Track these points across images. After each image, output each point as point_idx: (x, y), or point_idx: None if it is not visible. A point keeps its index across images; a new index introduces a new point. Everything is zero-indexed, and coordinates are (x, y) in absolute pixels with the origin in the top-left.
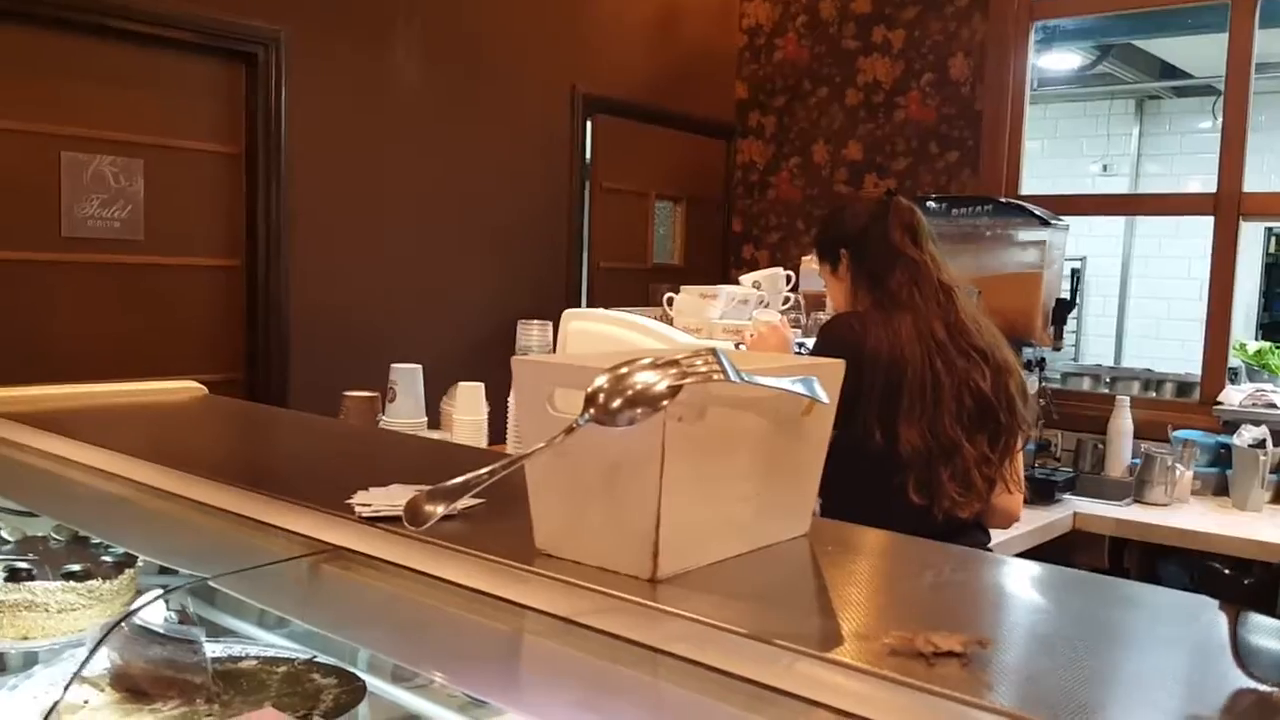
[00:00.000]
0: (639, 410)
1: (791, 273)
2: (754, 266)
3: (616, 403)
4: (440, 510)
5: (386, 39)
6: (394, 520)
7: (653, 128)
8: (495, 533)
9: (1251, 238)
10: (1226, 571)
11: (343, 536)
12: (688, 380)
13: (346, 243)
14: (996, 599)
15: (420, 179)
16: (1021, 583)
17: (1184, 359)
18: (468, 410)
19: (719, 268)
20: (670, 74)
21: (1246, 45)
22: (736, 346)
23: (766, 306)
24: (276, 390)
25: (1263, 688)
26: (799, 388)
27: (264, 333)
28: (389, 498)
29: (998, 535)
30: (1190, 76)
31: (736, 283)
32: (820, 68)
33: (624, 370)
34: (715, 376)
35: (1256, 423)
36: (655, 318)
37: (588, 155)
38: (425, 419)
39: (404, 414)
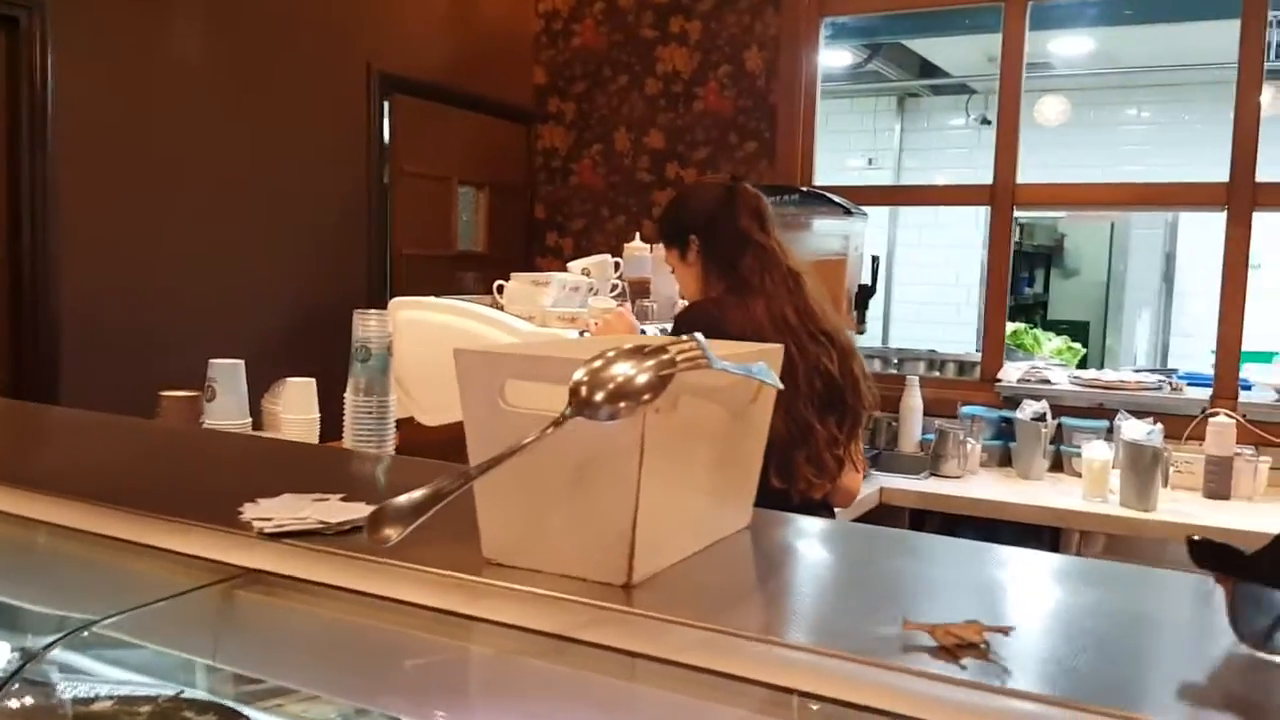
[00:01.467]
0: (623, 404)
1: (619, 260)
2: (559, 254)
3: (600, 395)
4: (407, 527)
5: (166, 6)
6: (306, 535)
7: (453, 110)
8: (426, 541)
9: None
10: (1218, 544)
11: (253, 557)
12: (677, 369)
13: (124, 229)
14: (990, 584)
15: (207, 159)
16: (1000, 564)
17: (946, 340)
18: (298, 409)
19: (524, 255)
20: (469, 55)
21: (1019, 45)
22: (581, 334)
23: (596, 294)
24: (44, 391)
25: (1260, 654)
26: (763, 374)
27: (29, 328)
28: (289, 510)
29: (839, 513)
30: (948, 75)
31: (541, 269)
32: (619, 56)
33: (608, 360)
34: (701, 364)
35: (1036, 398)
36: (487, 305)
37: (386, 136)
38: (250, 419)
39: (226, 414)
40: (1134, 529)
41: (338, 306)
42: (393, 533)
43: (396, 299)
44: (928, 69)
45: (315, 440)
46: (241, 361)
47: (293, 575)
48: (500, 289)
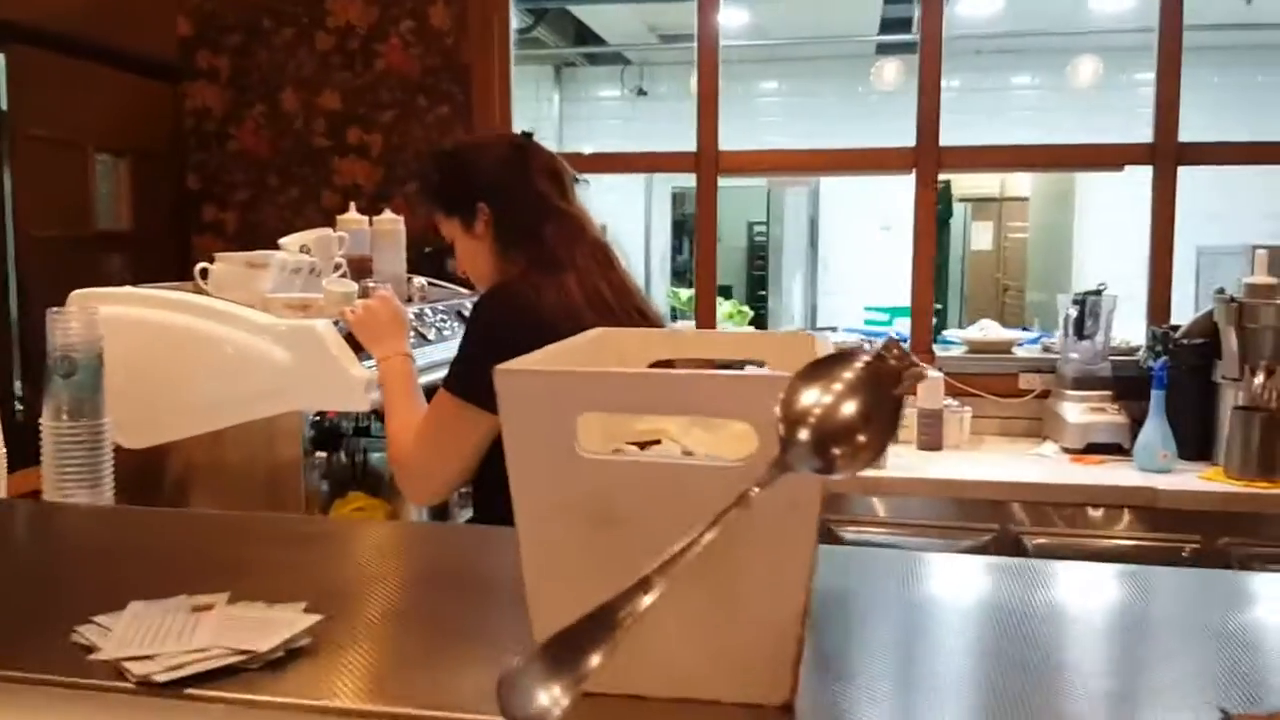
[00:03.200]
0: (865, 454)
1: (344, 235)
2: (219, 231)
3: (840, 445)
4: (577, 683)
5: None
6: (227, 676)
7: (86, 64)
8: (428, 666)
9: (661, 194)
10: None
11: None
12: (903, 389)
13: None
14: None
15: None
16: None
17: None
18: None
19: (176, 232)
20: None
21: (713, 16)
22: (335, 324)
23: (317, 275)
24: None
25: None
26: None
27: None
28: (164, 633)
29: None
30: (605, 44)
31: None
32: (281, 5)
33: (817, 380)
34: (921, 376)
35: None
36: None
37: (4, 95)
38: None
39: None
40: (868, 488)
41: None
42: (551, 699)
43: (77, 292)
44: (585, 36)
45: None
46: None
47: None
48: (204, 273)
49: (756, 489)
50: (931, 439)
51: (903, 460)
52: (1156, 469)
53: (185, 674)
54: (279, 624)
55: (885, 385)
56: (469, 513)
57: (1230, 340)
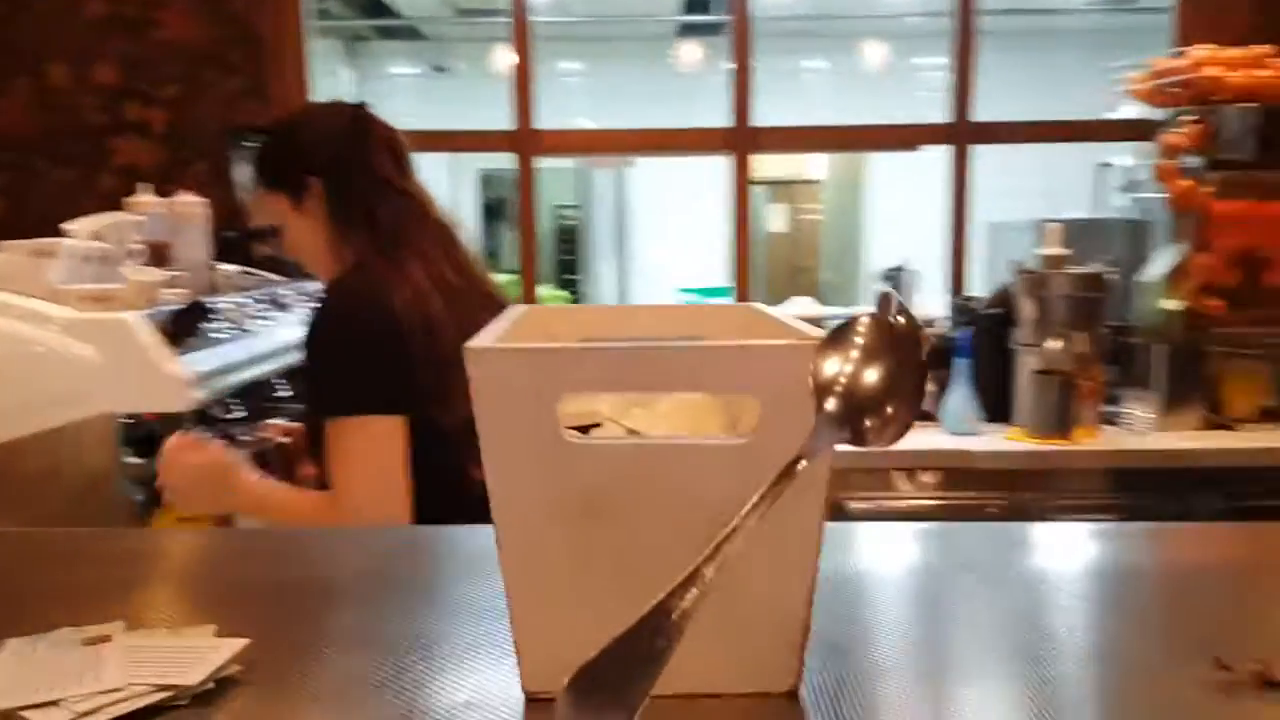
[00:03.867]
0: (898, 425)
1: (141, 218)
2: None
3: (872, 417)
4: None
5: None
6: (145, 718)
7: None
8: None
9: (467, 177)
10: None
11: None
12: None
13: None
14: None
15: None
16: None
17: None
18: None
19: None
20: None
21: None
22: (149, 316)
23: (112, 263)
24: None
25: None
26: None
27: None
28: (62, 675)
29: None
30: (398, 16)
31: None
32: None
33: (840, 348)
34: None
35: None
36: None
37: None
38: None
39: None
40: None
41: None
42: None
43: None
44: (379, 9)
45: None
46: None
47: None
48: None
49: (804, 461)
50: None
51: None
52: (965, 432)
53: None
54: (197, 652)
55: (909, 350)
56: None
57: (1027, 309)
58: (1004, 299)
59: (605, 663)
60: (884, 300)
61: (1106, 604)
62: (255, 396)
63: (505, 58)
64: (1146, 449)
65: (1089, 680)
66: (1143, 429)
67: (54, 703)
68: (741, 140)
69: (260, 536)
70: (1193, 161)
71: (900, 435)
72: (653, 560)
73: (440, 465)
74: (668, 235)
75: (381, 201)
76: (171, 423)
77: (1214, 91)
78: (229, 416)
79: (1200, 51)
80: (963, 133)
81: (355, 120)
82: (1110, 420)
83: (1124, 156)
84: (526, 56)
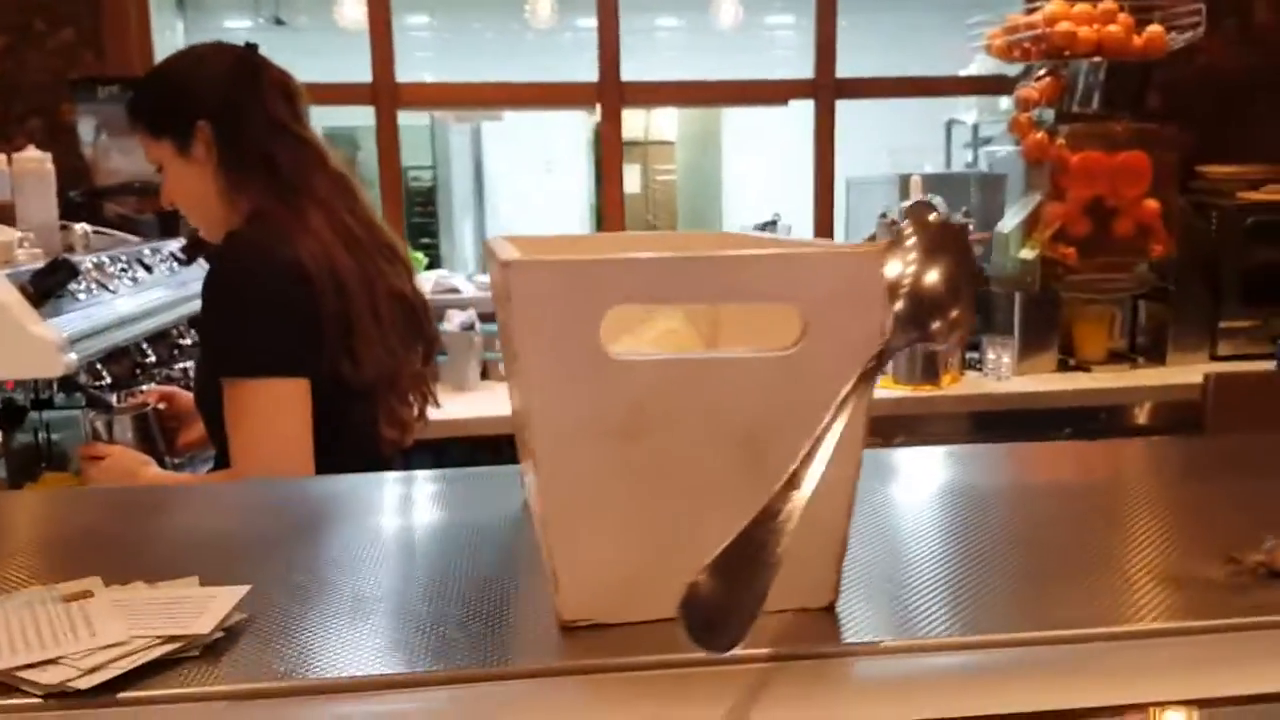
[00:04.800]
0: (963, 328)
1: None
2: None
3: (938, 317)
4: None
5: None
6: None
7: None
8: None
9: None
10: None
11: None
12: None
13: None
14: None
15: None
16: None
17: None
18: None
19: None
20: None
21: None
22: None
23: None
24: None
25: None
26: None
27: None
28: (55, 633)
29: None
30: None
31: None
32: None
33: (903, 251)
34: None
35: (463, 307)
36: None
37: None
38: None
39: None
40: None
41: None
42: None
43: None
44: None
45: None
46: None
47: None
48: None
49: (874, 362)
50: None
51: None
52: None
53: (114, 674)
54: (196, 602)
55: (962, 250)
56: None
57: None
58: None
59: (727, 564)
60: (920, 208)
61: (1098, 514)
62: (125, 362)
63: (351, 9)
64: (1006, 392)
65: (1111, 581)
66: (1003, 373)
67: (52, 661)
68: (610, 94)
69: (177, 493)
70: (1046, 115)
71: (966, 336)
72: (692, 478)
73: (351, 426)
74: (526, 196)
75: (278, 146)
76: (32, 390)
77: (1066, 46)
78: (97, 385)
79: (1053, 7)
80: (828, 88)
81: (245, 61)
82: (973, 366)
83: (969, 113)
84: (386, 5)
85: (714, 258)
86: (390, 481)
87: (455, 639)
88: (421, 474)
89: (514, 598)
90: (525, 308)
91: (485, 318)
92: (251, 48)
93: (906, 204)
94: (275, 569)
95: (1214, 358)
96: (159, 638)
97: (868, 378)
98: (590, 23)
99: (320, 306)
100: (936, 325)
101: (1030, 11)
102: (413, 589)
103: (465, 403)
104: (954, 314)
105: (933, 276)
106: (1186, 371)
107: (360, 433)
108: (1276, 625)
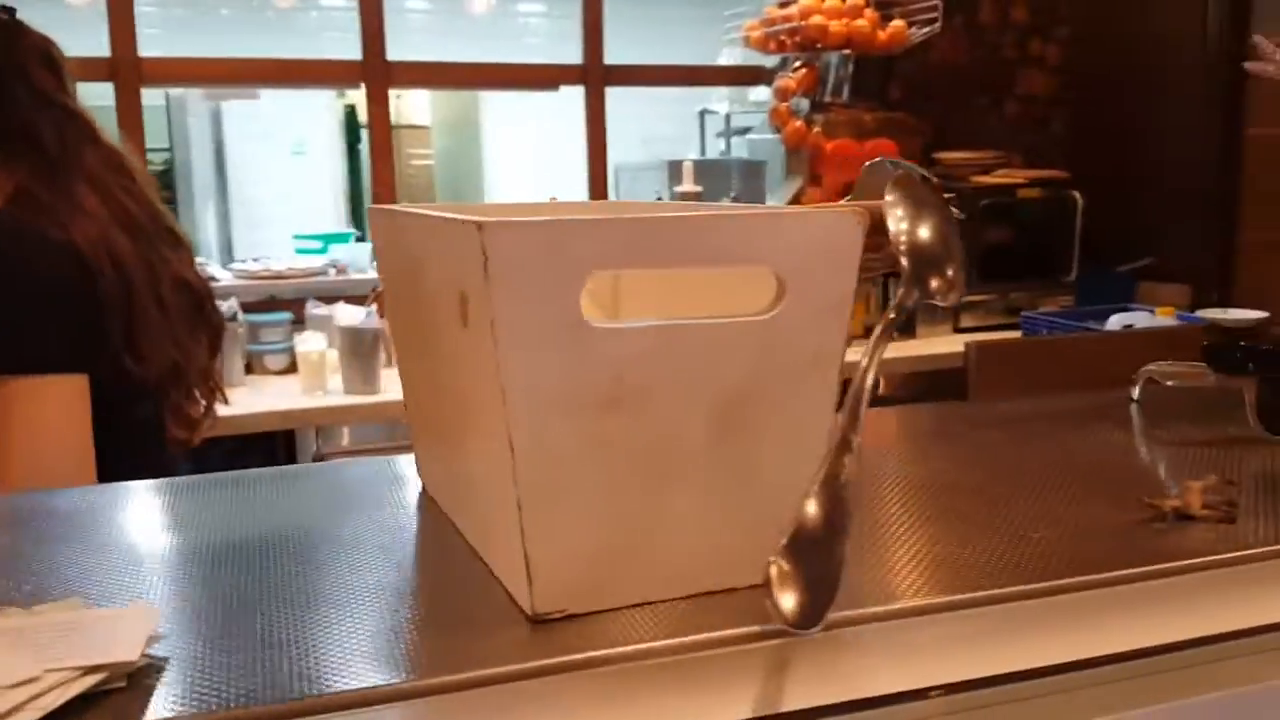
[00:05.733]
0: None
1: None
2: None
3: (945, 271)
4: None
5: None
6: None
7: None
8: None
9: None
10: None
11: None
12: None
13: None
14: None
15: None
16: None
17: None
18: None
19: None
20: None
21: None
22: None
23: None
24: None
25: None
26: None
27: None
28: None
29: None
30: None
31: None
32: None
33: (902, 203)
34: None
35: (224, 297)
36: None
37: None
38: None
39: None
40: (362, 416)
41: None
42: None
43: None
44: None
45: None
46: None
47: None
48: None
49: (893, 314)
50: None
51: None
52: None
53: (36, 716)
54: (105, 624)
55: (943, 208)
56: None
57: None
58: None
59: (802, 540)
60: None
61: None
62: None
63: None
64: None
65: (1055, 530)
66: None
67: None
68: (375, 74)
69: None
70: (802, 104)
71: (961, 295)
72: (671, 449)
73: (135, 426)
74: (274, 180)
75: (44, 118)
76: None
77: (819, 39)
78: None
79: (806, 1)
80: (598, 73)
81: (1, 26)
82: None
83: (722, 104)
84: None
85: (696, 217)
86: (234, 482)
87: (415, 645)
88: (272, 471)
89: (465, 594)
90: (500, 274)
91: (247, 308)
92: (8, 10)
93: (870, 163)
94: (157, 586)
95: (958, 330)
96: (78, 669)
97: (888, 330)
98: (335, 2)
99: (99, 295)
100: (935, 284)
101: (785, 5)
102: (341, 595)
103: (230, 397)
104: (950, 273)
105: (924, 233)
106: (935, 343)
107: (145, 433)
108: (1197, 568)
